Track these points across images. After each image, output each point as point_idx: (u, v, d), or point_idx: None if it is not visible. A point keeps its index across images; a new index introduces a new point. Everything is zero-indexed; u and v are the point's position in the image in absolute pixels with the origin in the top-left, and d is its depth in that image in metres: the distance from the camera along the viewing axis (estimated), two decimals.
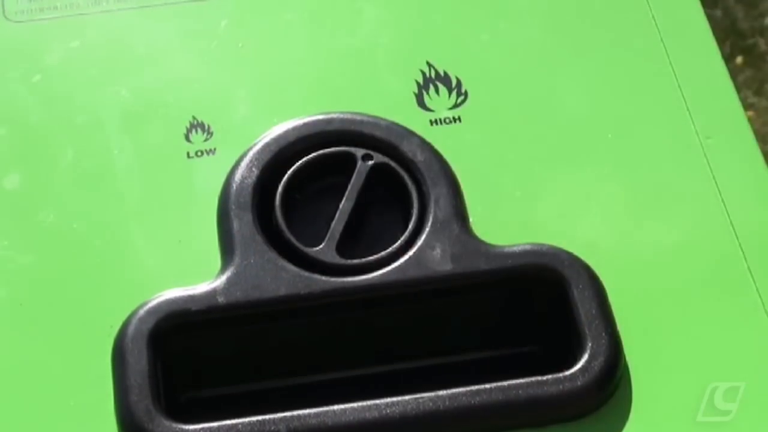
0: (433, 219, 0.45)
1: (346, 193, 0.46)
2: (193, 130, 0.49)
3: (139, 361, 0.42)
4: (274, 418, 0.41)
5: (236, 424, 0.41)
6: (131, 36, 0.52)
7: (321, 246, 0.45)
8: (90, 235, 0.46)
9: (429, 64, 0.51)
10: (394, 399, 0.41)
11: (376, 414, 0.41)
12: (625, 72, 0.51)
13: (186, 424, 0.41)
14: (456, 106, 0.50)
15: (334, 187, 0.46)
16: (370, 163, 0.47)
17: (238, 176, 0.46)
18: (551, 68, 0.51)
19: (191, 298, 0.43)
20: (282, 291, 0.44)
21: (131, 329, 0.43)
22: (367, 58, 0.52)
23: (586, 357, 0.42)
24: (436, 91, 0.50)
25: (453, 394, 0.42)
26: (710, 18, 0.54)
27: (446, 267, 0.44)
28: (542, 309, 0.45)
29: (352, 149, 0.47)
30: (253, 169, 0.47)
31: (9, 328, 0.44)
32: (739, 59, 1.33)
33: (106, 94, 0.50)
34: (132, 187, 0.48)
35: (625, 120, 0.50)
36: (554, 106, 0.50)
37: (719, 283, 0.46)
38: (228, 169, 0.47)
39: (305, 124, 0.48)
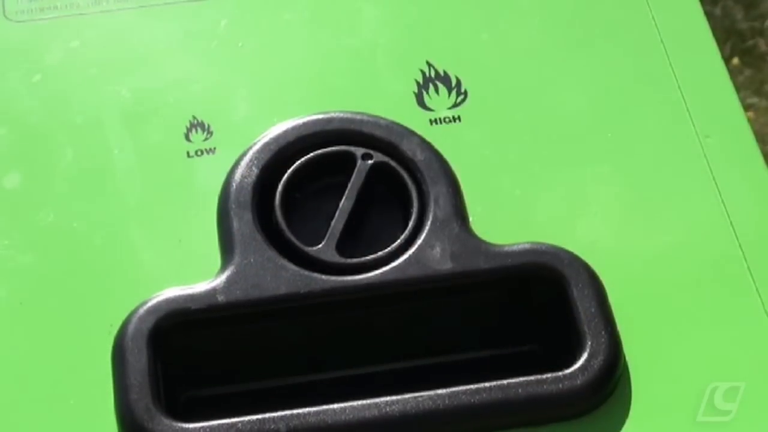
0: (433, 218, 0.45)
1: (346, 192, 0.46)
2: (193, 130, 0.49)
3: (139, 360, 0.42)
4: (273, 417, 0.41)
5: (236, 423, 0.41)
6: (131, 36, 0.52)
7: (321, 245, 0.45)
8: (90, 235, 0.46)
9: (429, 64, 0.51)
10: (394, 398, 0.41)
11: (375, 413, 0.41)
12: (624, 72, 0.52)
13: (186, 423, 0.41)
14: (456, 105, 0.50)
15: (334, 186, 0.46)
16: (370, 162, 0.47)
17: (238, 175, 0.46)
18: (551, 68, 0.51)
19: (191, 297, 0.44)
20: (282, 290, 0.44)
21: (131, 328, 0.43)
22: (367, 57, 0.52)
23: (585, 356, 0.42)
24: (436, 90, 0.50)
25: (452, 392, 0.42)
26: (710, 17, 0.54)
27: (446, 266, 0.44)
28: (542, 308, 0.45)
29: (352, 148, 0.47)
30: (253, 168, 0.47)
31: (9, 328, 0.44)
32: (738, 60, 1.33)
33: (106, 94, 0.50)
34: (132, 187, 0.48)
35: (624, 120, 0.50)
36: (554, 105, 0.50)
37: (719, 283, 0.46)
38: (228, 168, 0.47)
39: (305, 124, 0.48)
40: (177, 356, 0.44)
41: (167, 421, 0.41)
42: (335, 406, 0.41)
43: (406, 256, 0.45)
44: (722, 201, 0.47)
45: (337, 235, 0.45)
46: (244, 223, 0.45)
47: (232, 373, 0.45)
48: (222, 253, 0.45)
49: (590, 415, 0.42)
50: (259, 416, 0.41)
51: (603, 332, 0.43)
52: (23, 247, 0.46)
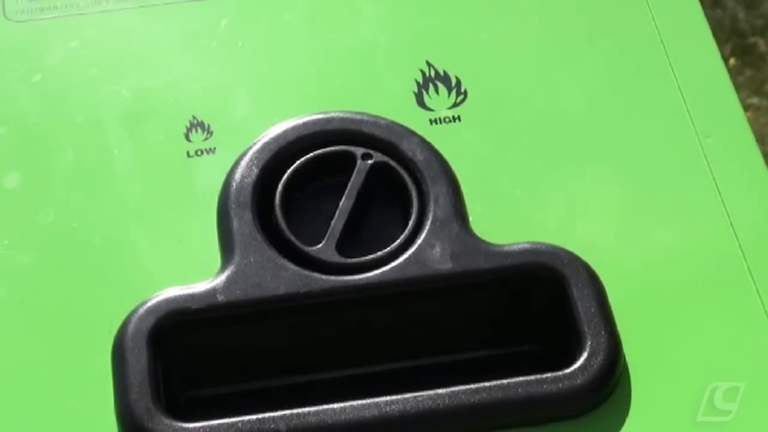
0: (433, 218, 0.45)
1: (346, 191, 0.46)
2: (193, 130, 0.49)
3: (139, 360, 0.42)
4: (273, 417, 0.41)
5: (236, 423, 0.41)
6: (131, 36, 0.52)
7: (321, 245, 0.45)
8: (90, 235, 0.46)
9: (429, 64, 0.51)
10: (394, 397, 0.41)
11: (375, 412, 0.41)
12: (624, 72, 0.52)
13: (186, 423, 0.41)
14: (455, 105, 0.50)
15: (334, 186, 0.46)
16: (370, 162, 0.47)
17: (238, 175, 0.46)
18: (551, 68, 0.51)
19: (191, 297, 0.44)
20: (282, 290, 0.44)
21: (131, 328, 0.43)
22: (367, 57, 0.52)
23: (585, 355, 0.42)
24: (436, 90, 0.50)
25: (452, 392, 0.42)
26: (710, 18, 0.54)
27: (446, 266, 0.44)
28: (542, 308, 0.45)
29: (352, 148, 0.47)
30: (253, 168, 0.47)
31: (9, 328, 0.44)
32: (738, 60, 1.33)
33: (106, 94, 0.50)
34: (132, 187, 0.48)
35: (624, 120, 0.50)
36: (554, 105, 0.50)
37: (719, 283, 0.46)
38: (228, 168, 0.47)
39: (305, 124, 0.48)
40: (177, 356, 0.44)
41: (167, 421, 0.41)
42: (335, 406, 0.41)
43: (406, 255, 0.45)
44: (722, 201, 0.47)
45: (337, 235, 0.45)
46: (244, 223, 0.45)
47: (232, 373, 0.45)
48: (222, 253, 0.45)
49: (590, 415, 0.42)
50: (259, 416, 0.41)
51: (603, 332, 0.43)
52: (23, 247, 0.46)
